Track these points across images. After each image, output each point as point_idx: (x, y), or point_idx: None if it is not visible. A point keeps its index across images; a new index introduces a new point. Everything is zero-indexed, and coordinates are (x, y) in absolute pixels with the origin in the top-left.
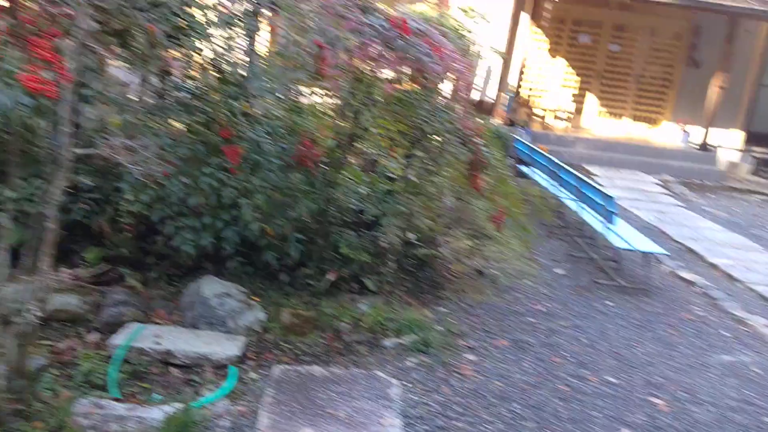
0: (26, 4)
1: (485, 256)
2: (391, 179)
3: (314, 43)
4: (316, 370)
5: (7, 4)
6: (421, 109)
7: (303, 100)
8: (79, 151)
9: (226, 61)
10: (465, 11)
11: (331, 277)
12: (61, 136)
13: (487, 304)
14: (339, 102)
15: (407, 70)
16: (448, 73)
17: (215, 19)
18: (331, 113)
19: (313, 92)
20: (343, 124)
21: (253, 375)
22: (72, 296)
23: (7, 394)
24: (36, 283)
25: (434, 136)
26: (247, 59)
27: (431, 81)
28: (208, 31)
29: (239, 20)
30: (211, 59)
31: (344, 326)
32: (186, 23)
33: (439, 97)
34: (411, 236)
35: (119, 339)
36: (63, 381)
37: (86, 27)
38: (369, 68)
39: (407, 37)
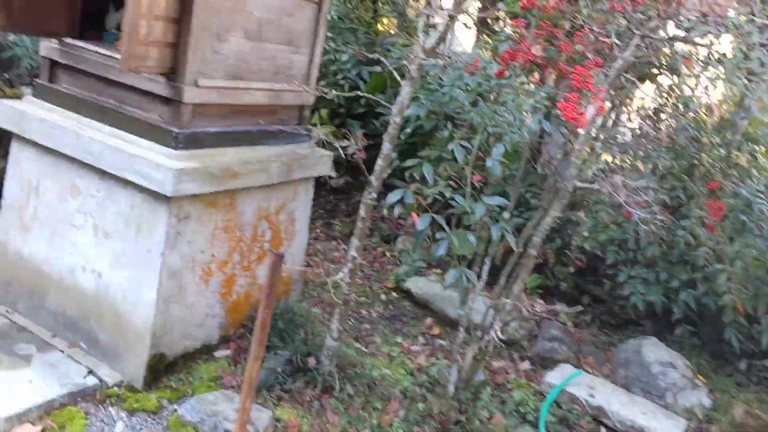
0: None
1: None
2: None
3: None
4: None
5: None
6: None
7: None
8: (580, 184)
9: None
10: None
11: None
12: (571, 167)
13: None
14: None
15: None
16: None
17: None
18: None
19: None
20: None
21: None
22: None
23: (453, 402)
24: (506, 305)
25: None
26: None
27: None
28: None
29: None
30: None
31: None
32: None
33: None
34: None
35: (554, 378)
36: (496, 403)
37: (629, 59)
38: None
39: None
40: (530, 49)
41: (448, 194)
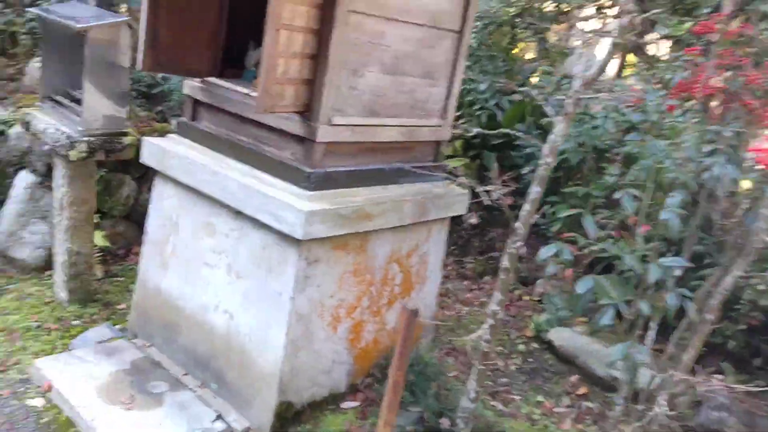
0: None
1: None
2: None
3: None
4: None
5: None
6: None
7: None
8: None
9: None
10: None
11: None
12: (760, 219)
13: None
14: None
15: None
16: None
17: None
18: None
19: None
20: None
21: None
22: None
23: None
24: (674, 377)
25: None
26: None
27: None
28: None
29: None
30: None
31: None
32: None
33: None
34: None
35: None
36: None
37: None
38: None
39: None
40: (709, 80)
41: (614, 251)
